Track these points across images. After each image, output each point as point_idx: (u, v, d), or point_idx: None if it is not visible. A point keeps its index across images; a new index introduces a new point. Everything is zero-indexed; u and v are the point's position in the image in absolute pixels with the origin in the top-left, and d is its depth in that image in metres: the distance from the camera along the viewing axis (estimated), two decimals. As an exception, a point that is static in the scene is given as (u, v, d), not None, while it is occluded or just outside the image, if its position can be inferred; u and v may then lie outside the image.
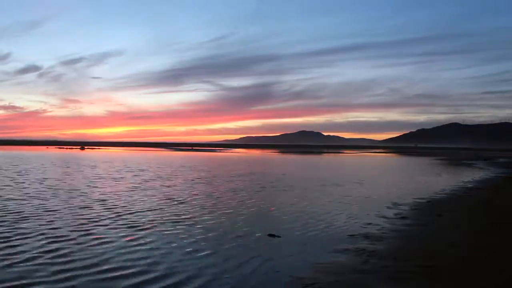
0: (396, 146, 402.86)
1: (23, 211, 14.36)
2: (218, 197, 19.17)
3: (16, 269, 8.22)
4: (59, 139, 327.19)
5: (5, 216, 13.46)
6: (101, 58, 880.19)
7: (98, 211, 14.91)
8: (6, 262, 8.62)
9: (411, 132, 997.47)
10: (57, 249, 9.70)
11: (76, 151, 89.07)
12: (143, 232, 11.72)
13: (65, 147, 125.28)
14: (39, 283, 7.54)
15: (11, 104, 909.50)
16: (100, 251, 9.67)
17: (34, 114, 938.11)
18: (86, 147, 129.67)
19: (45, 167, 35.92)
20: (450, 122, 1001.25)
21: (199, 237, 11.37)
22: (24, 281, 7.59)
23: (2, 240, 10.36)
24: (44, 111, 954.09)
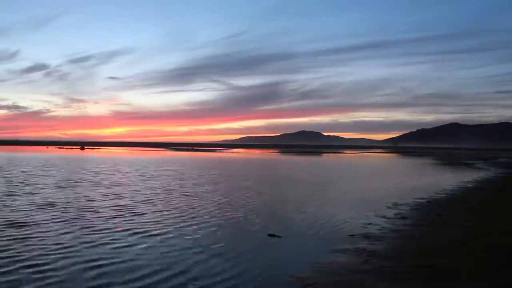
0: (386, 146, 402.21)
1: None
2: (218, 198, 19.17)
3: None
4: (60, 139, 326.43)
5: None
6: (110, 56, 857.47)
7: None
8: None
9: (411, 132, 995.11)
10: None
11: (76, 151, 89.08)
12: (146, 233, 11.74)
13: (65, 147, 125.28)
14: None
15: (15, 104, 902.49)
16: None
17: (36, 114, 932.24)
18: (86, 147, 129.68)
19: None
20: (451, 122, 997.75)
21: (199, 237, 11.37)
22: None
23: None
24: (48, 110, 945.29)
